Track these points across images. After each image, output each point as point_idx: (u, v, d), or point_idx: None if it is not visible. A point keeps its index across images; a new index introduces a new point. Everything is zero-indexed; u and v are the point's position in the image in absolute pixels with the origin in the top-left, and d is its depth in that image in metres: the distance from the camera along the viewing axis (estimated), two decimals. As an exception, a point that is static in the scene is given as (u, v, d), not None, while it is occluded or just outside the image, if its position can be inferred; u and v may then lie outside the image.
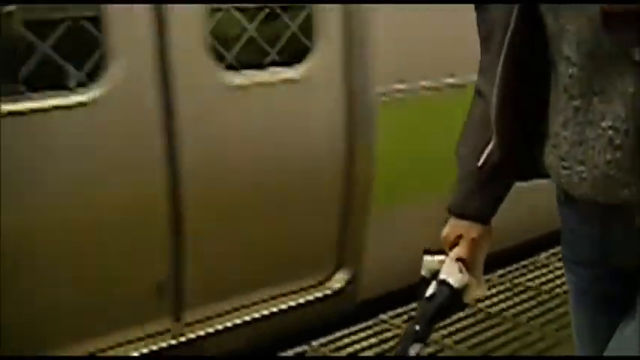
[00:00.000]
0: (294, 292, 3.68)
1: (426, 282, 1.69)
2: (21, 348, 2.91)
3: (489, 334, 3.56)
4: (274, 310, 3.61)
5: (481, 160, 1.63)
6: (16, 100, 2.81)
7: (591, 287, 1.61)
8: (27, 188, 2.84)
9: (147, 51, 3.07)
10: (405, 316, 3.65)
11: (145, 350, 3.24)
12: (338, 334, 3.54)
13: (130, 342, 3.22)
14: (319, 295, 3.73)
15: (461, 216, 1.71)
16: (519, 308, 3.78)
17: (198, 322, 3.41)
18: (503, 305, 3.81)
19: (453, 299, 1.66)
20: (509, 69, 1.54)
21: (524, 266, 4.23)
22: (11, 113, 2.78)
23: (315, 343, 3.45)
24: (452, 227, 1.72)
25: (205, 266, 3.34)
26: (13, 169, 2.77)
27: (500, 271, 4.15)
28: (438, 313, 1.65)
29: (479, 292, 1.70)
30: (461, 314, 3.67)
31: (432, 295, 1.66)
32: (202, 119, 3.25)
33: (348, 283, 3.79)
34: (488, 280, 4.05)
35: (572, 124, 1.48)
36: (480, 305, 3.80)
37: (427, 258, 1.72)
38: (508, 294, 3.92)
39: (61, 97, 2.91)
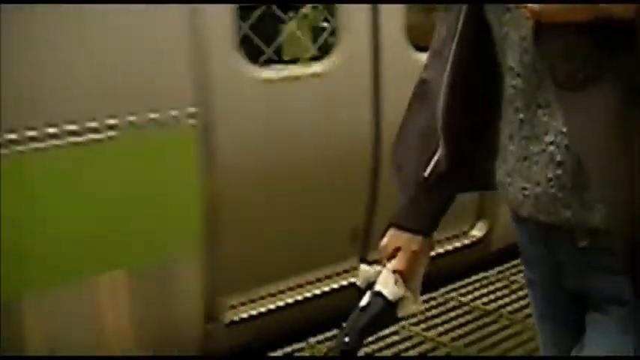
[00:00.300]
0: (445, 240, 4.14)
1: (360, 292, 1.65)
2: (245, 279, 3.46)
3: (486, 331, 3.57)
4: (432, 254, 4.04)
5: (427, 171, 1.57)
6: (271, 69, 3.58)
7: (550, 310, 1.57)
8: (270, 142, 3.43)
9: (364, 34, 3.67)
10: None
11: (335, 285, 3.74)
12: (334, 332, 3.55)
13: (328, 277, 3.76)
14: (462, 243, 4.20)
15: (401, 228, 1.64)
16: (516, 306, 3.78)
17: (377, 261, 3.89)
18: (499, 303, 3.82)
19: (386, 312, 1.61)
20: (456, 75, 1.48)
21: (520, 264, 4.21)
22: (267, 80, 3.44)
23: (311, 341, 3.48)
24: (391, 238, 1.66)
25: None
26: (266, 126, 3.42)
27: (497, 269, 4.15)
28: (370, 325, 1.61)
29: (414, 307, 1.66)
30: (455, 312, 3.71)
31: (366, 306, 1.61)
32: (401, 89, 3.70)
33: (486, 232, 4.25)
34: (485, 278, 4.09)
35: (517, 137, 1.41)
36: (477, 303, 3.82)
37: (364, 267, 1.68)
38: (505, 291, 3.92)
39: (304, 68, 3.71)
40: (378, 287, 1.63)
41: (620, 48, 1.23)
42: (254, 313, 3.51)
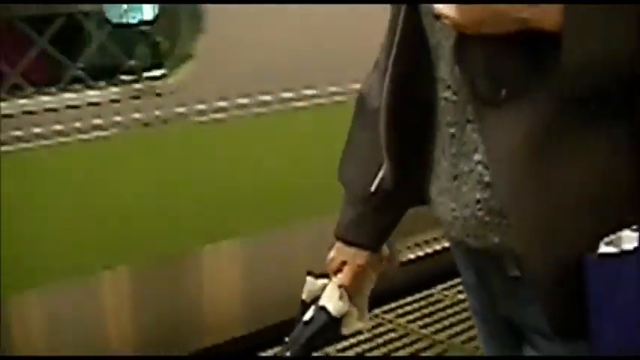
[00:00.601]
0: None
1: (305, 306, 1.63)
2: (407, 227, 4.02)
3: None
4: None
5: (373, 187, 1.51)
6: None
7: (493, 339, 1.50)
8: None
9: None
10: (397, 312, 3.68)
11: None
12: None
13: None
14: None
15: (346, 242, 1.59)
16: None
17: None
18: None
19: (330, 327, 1.59)
20: (396, 86, 1.40)
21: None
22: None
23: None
24: (337, 252, 1.61)
25: None
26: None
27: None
28: (312, 339, 1.59)
29: (359, 324, 1.63)
30: (452, 310, 3.69)
31: (309, 320, 1.59)
32: None
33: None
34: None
35: (448, 153, 1.33)
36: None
37: (309, 280, 1.65)
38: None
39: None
40: (322, 302, 1.60)
41: (546, 63, 1.16)
42: (413, 257, 4.08)
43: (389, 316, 3.64)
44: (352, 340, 3.45)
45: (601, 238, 1.16)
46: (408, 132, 1.43)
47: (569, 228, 1.18)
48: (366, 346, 3.41)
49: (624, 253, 1.13)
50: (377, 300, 3.67)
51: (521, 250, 1.22)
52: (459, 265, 1.50)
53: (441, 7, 1.20)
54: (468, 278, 1.47)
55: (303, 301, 1.65)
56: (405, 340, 3.46)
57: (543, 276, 1.19)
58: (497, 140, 1.21)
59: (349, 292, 1.61)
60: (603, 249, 1.14)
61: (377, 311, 3.68)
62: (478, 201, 1.28)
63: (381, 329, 3.55)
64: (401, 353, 3.38)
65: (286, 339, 1.62)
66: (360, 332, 3.37)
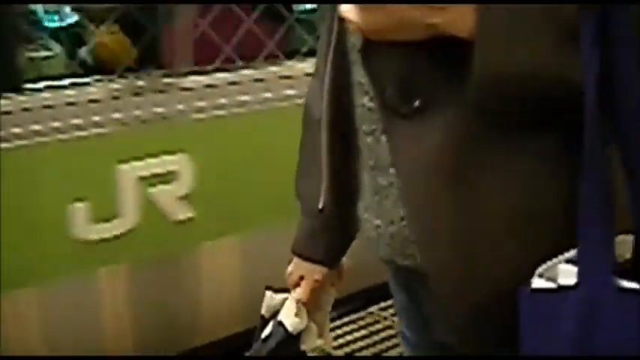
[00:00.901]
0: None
1: (265, 321, 1.58)
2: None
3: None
4: None
5: (321, 203, 1.41)
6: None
7: None
8: None
9: None
10: (393, 310, 3.65)
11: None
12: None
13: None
14: None
15: (302, 257, 1.54)
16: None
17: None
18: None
19: (288, 344, 1.53)
20: (333, 96, 1.29)
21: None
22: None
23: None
24: (295, 266, 1.55)
25: None
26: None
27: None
28: (271, 356, 1.53)
29: (319, 341, 1.57)
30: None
31: (267, 337, 1.54)
32: None
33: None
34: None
35: (368, 166, 1.23)
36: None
37: (268, 295, 1.59)
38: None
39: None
40: (280, 317, 1.55)
41: (464, 72, 1.04)
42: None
43: (385, 314, 3.61)
44: (349, 337, 3.44)
45: (531, 265, 1.07)
46: (345, 143, 1.32)
47: (489, 250, 1.10)
48: (362, 343, 3.39)
49: (562, 288, 1.06)
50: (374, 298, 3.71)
51: (436, 271, 1.14)
52: (391, 286, 1.43)
53: (344, 9, 1.10)
54: (401, 299, 1.41)
55: (262, 316, 1.60)
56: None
57: (459, 301, 1.12)
58: (408, 154, 1.12)
59: (308, 307, 1.56)
60: (537, 283, 1.07)
61: (373, 309, 3.65)
62: (402, 218, 1.19)
63: (378, 326, 3.53)
64: (398, 350, 3.35)
65: (246, 354, 1.58)
66: (357, 330, 3.44)
